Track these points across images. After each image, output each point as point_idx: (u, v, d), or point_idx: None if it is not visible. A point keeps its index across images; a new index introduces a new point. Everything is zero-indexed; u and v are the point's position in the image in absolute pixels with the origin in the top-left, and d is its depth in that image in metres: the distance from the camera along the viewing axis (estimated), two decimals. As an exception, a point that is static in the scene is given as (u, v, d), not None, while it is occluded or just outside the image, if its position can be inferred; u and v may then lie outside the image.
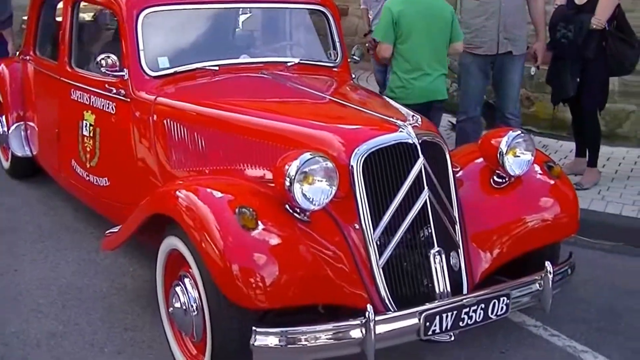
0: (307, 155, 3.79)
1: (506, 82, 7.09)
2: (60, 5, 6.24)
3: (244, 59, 5.54)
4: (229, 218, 3.69)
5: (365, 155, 3.99)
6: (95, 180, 5.54)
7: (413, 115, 4.35)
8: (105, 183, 5.43)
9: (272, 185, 3.96)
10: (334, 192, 3.86)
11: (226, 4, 5.62)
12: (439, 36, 6.54)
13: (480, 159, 4.72)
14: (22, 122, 6.90)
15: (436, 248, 4.04)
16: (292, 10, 6.09)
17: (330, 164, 3.84)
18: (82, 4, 5.93)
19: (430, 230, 4.06)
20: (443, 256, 4.04)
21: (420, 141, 4.10)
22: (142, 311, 4.85)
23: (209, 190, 3.98)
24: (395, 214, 4.01)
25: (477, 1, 6.97)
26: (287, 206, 3.85)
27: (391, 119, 4.23)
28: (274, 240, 3.69)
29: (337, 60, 5.87)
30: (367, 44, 7.20)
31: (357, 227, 3.96)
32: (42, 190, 6.95)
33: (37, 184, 7.07)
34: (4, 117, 7.12)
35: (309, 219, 3.87)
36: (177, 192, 4.03)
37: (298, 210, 3.84)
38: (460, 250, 4.19)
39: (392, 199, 4.01)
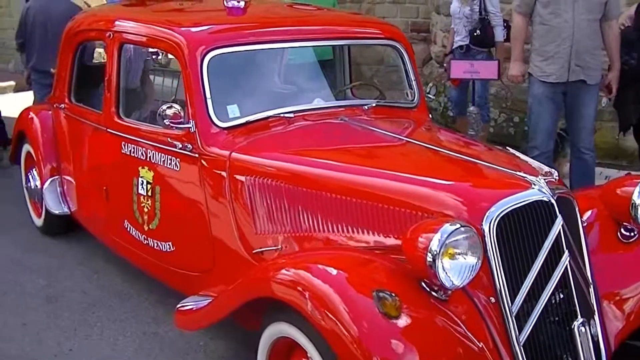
0: (449, 227, 3.26)
1: (580, 113, 6.53)
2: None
3: (318, 103, 4.96)
4: (366, 303, 3.19)
5: (499, 218, 3.47)
6: (155, 245, 4.92)
7: (548, 171, 3.78)
8: (170, 248, 4.82)
9: (382, 252, 3.63)
10: (479, 265, 3.31)
11: (296, 42, 5.03)
12: None
13: (596, 209, 4.27)
14: (57, 176, 6.26)
15: (580, 319, 3.59)
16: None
17: (474, 234, 3.30)
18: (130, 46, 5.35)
19: (571, 299, 3.61)
20: (587, 327, 3.59)
21: (555, 198, 3.58)
22: (223, 398, 4.26)
23: (323, 267, 3.47)
24: (534, 283, 3.52)
25: (547, 25, 6.39)
26: (423, 283, 3.35)
27: (519, 174, 3.69)
28: (416, 328, 3.22)
29: (414, 100, 5.30)
30: (445, 64, 6.78)
31: (493, 300, 3.46)
32: (80, 249, 6.30)
33: (73, 242, 6.42)
34: (35, 169, 6.50)
35: (447, 297, 3.35)
36: (284, 272, 3.49)
37: (436, 288, 3.33)
38: (596, 316, 3.72)
39: (530, 267, 3.53)
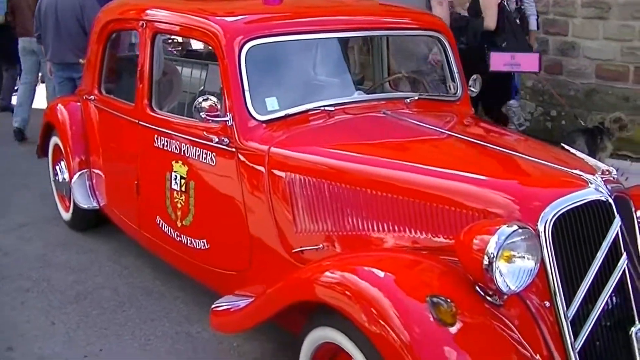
0: (506, 229, 3.08)
1: None
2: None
3: (359, 96, 4.78)
4: (418, 309, 3.02)
5: (554, 219, 3.27)
6: (189, 242, 4.75)
7: (606, 169, 3.56)
8: (204, 246, 4.65)
9: (429, 252, 3.47)
10: (537, 269, 3.13)
11: (335, 32, 4.84)
12: None
13: None
14: (86, 170, 6.10)
15: (638, 325, 3.37)
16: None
17: (533, 235, 3.13)
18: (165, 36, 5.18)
19: (629, 303, 3.39)
20: None
21: (613, 197, 3.38)
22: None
23: (370, 269, 3.29)
24: (590, 286, 3.31)
25: None
26: (477, 287, 3.17)
27: (575, 172, 3.48)
28: (471, 335, 3.04)
29: (457, 94, 5.10)
30: None
31: (548, 304, 3.27)
32: (110, 245, 6.16)
33: (103, 237, 6.28)
34: (63, 162, 6.35)
35: (502, 302, 3.17)
36: (329, 274, 3.33)
37: (491, 292, 3.15)
38: None
39: (587, 270, 3.32)
